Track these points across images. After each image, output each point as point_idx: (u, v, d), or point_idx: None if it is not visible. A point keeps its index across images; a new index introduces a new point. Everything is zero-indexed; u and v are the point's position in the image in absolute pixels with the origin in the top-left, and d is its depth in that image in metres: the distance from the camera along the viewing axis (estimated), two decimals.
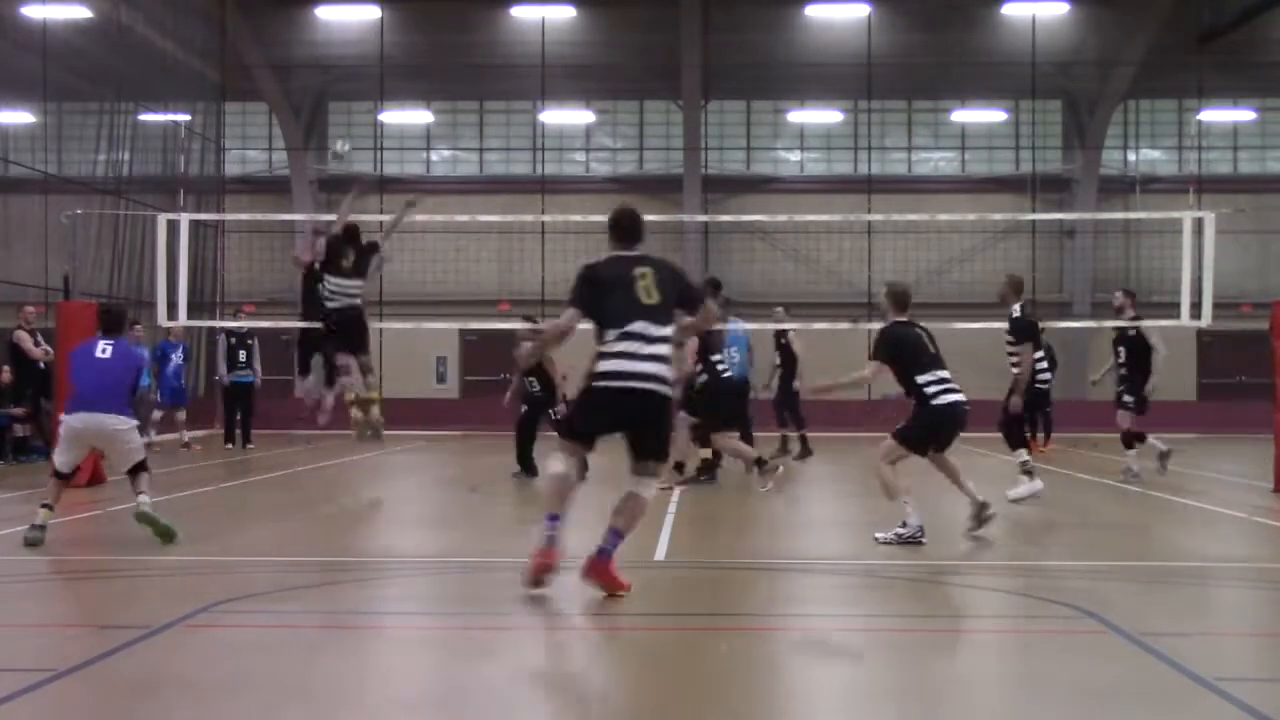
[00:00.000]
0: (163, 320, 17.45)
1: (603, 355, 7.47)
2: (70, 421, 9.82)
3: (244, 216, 28.20)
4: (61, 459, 9.97)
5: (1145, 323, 15.01)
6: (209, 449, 20.99)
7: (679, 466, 14.05)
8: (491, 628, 7.02)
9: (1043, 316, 24.42)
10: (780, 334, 18.72)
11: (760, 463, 13.58)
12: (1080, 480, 15.89)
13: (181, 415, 21.20)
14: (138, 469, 9.90)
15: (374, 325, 18.14)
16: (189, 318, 17.59)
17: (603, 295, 7.54)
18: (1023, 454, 12.91)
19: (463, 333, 29.86)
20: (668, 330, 7.56)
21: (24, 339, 17.72)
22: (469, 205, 30.11)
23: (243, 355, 21.52)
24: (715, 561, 9.19)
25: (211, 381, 24.96)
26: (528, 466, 14.88)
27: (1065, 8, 30.28)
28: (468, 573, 8.85)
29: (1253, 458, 17.37)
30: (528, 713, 5.37)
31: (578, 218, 26.08)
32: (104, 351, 9.93)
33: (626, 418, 7.45)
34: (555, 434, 9.03)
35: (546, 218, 27.69)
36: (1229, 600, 8.11)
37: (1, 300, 20.46)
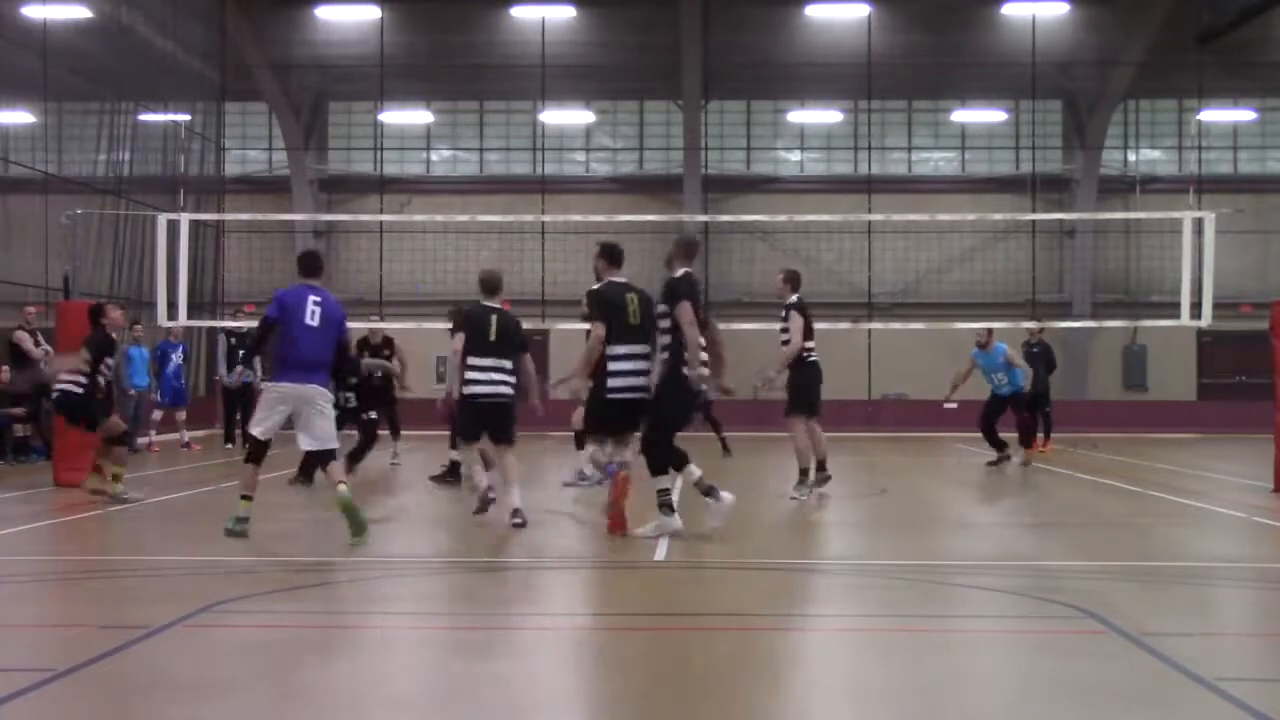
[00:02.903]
0: (163, 320, 17.47)
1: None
2: (281, 388, 9.80)
3: (244, 216, 28.18)
4: (262, 428, 9.87)
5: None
6: (209, 449, 20.98)
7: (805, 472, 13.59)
8: (491, 628, 7.03)
9: (1043, 316, 24.53)
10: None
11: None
12: (1080, 480, 15.89)
13: (181, 415, 21.19)
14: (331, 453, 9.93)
15: (372, 325, 18.18)
16: (189, 318, 17.61)
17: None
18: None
19: None
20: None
21: (24, 339, 17.72)
22: (469, 205, 30.11)
23: (242, 355, 21.48)
24: (715, 561, 9.19)
25: (212, 381, 24.96)
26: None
27: (1065, 8, 30.27)
28: (468, 573, 8.86)
29: (1253, 458, 17.37)
30: (527, 713, 5.37)
31: (578, 218, 26.14)
32: (313, 317, 9.86)
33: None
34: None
35: (546, 218, 27.70)
36: (1229, 600, 8.11)
37: (1, 300, 20.47)
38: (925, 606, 7.77)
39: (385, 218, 28.45)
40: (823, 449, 13.15)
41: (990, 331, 17.59)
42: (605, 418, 10.19)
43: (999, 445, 17.39)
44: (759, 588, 8.30)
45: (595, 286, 10.43)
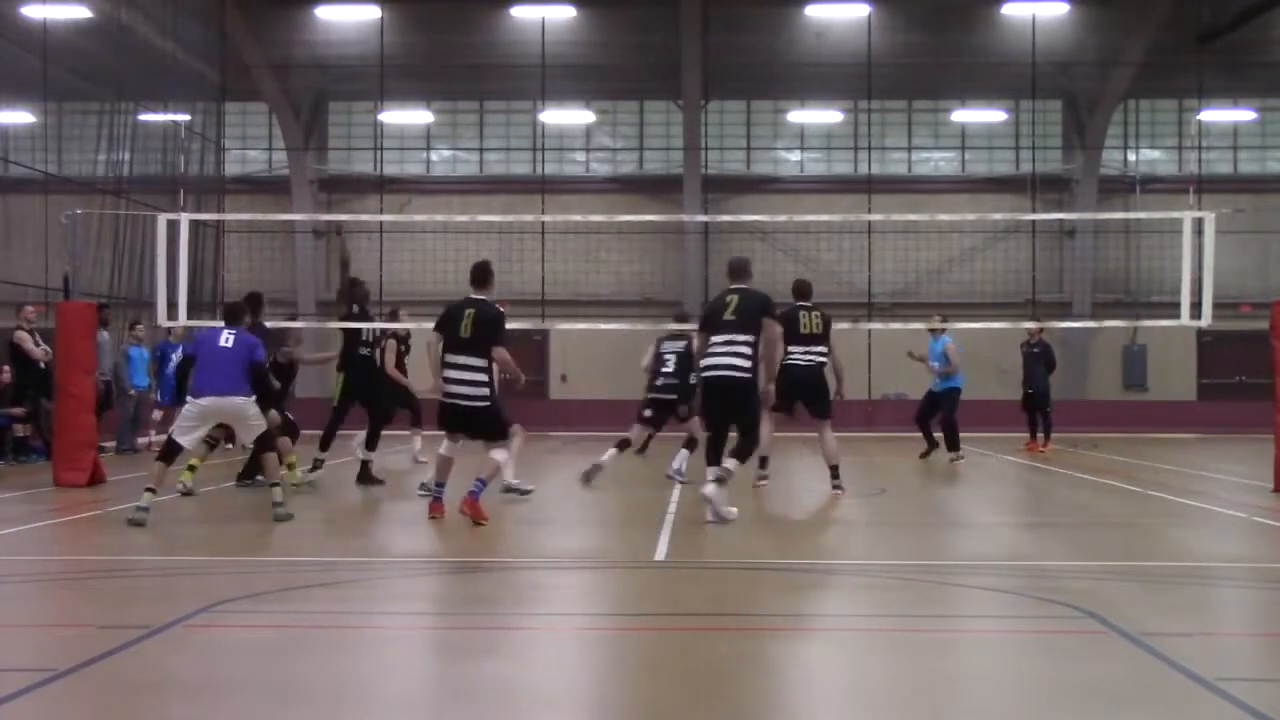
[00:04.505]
0: (163, 320, 17.43)
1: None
2: (200, 403, 11.04)
3: (244, 216, 28.18)
4: (187, 438, 11.11)
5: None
6: None
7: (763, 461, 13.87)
8: (491, 628, 7.02)
9: (1043, 316, 24.51)
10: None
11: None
12: (1080, 480, 15.90)
13: None
14: (266, 447, 11.43)
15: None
16: (189, 318, 17.56)
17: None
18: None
19: None
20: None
21: (24, 339, 17.72)
22: (469, 205, 30.14)
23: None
24: (715, 561, 9.19)
25: None
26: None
27: (1065, 8, 30.27)
28: (468, 573, 8.86)
29: (1253, 458, 17.37)
30: (527, 713, 5.37)
31: (578, 218, 26.15)
32: (226, 340, 11.18)
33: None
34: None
35: (546, 218, 27.69)
36: (1229, 600, 8.10)
37: (1, 300, 20.47)
38: (925, 606, 7.77)
39: (385, 218, 28.45)
40: (829, 453, 13.36)
41: (942, 319, 18.82)
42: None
43: (930, 439, 18.56)
44: (759, 588, 8.29)
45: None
